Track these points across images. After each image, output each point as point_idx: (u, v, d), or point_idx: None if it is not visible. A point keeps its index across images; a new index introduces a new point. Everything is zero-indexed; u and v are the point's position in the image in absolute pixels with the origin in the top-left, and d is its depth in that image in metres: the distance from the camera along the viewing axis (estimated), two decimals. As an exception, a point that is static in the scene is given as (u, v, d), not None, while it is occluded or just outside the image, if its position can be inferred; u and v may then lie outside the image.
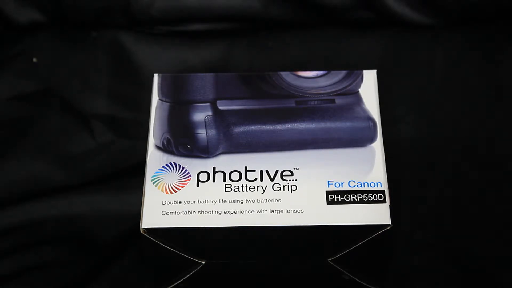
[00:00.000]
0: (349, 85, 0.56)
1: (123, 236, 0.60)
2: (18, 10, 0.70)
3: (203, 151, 0.54)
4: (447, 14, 0.69)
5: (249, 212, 0.51)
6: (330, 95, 0.55)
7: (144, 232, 0.51)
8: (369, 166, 0.53)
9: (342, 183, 0.52)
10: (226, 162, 0.53)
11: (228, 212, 0.51)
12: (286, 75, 0.56)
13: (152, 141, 0.55)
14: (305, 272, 0.56)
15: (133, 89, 0.67)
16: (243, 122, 0.54)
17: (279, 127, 0.54)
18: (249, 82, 0.56)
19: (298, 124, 0.54)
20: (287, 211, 0.51)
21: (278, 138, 0.54)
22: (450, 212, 0.60)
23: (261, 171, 0.53)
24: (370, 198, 0.52)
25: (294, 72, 0.56)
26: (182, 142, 0.54)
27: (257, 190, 0.52)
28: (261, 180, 0.52)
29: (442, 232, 0.59)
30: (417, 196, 0.61)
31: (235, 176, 0.53)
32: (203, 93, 0.55)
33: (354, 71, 0.56)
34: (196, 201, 0.52)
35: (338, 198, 0.52)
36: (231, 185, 0.52)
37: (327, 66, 0.63)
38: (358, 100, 0.56)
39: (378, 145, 0.54)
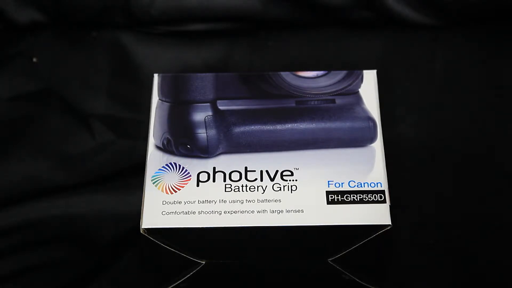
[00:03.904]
0: (349, 85, 0.56)
1: (123, 236, 0.60)
2: (18, 10, 0.70)
3: (203, 151, 0.54)
4: (447, 14, 0.69)
5: (249, 212, 0.51)
6: (330, 95, 0.55)
7: (144, 232, 0.51)
8: (369, 166, 0.53)
9: (342, 183, 0.52)
10: (226, 162, 0.53)
11: (228, 212, 0.51)
12: (286, 75, 0.56)
13: (152, 141, 0.55)
14: (305, 272, 0.56)
15: (133, 89, 0.67)
16: (243, 122, 0.54)
17: (279, 127, 0.54)
18: (249, 82, 0.56)
19: (298, 124, 0.54)
20: (287, 211, 0.51)
21: (278, 138, 0.54)
22: (450, 212, 0.60)
23: (261, 171, 0.53)
24: (370, 198, 0.52)
25: (294, 72, 0.56)
26: (182, 142, 0.54)
27: (257, 190, 0.52)
28: (261, 180, 0.52)
29: (442, 232, 0.59)
30: (417, 196, 0.61)
31: (235, 176, 0.53)
32: (203, 93, 0.55)
33: (354, 71, 0.56)
34: (196, 201, 0.52)
35: (338, 198, 0.52)
36: (231, 185, 0.52)
37: (327, 66, 0.63)
38: (358, 100, 0.56)
39: (378, 145, 0.54)
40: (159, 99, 0.56)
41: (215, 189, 0.52)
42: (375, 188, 0.52)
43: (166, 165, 0.53)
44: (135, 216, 0.54)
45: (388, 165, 0.53)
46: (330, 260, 0.55)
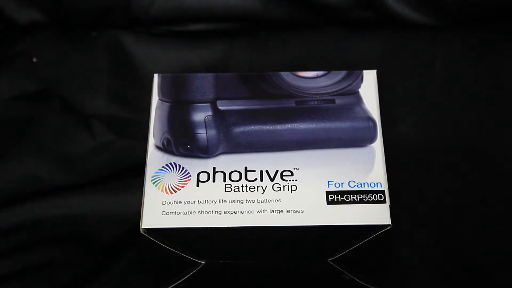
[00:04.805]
0: (349, 85, 0.56)
1: (123, 236, 0.60)
2: (18, 10, 0.70)
3: (203, 151, 0.54)
4: (447, 14, 0.69)
5: (249, 212, 0.51)
6: (330, 95, 0.55)
7: (144, 232, 0.51)
8: (369, 166, 0.53)
9: (342, 183, 0.52)
10: (226, 162, 0.53)
11: (228, 212, 0.51)
12: (286, 75, 0.56)
13: (152, 141, 0.55)
14: (305, 272, 0.56)
15: (133, 89, 0.67)
16: (243, 122, 0.54)
17: (279, 127, 0.54)
18: (249, 82, 0.56)
19: (298, 124, 0.54)
20: (287, 211, 0.51)
21: (278, 138, 0.54)
22: (450, 212, 0.60)
23: (261, 171, 0.53)
24: (370, 198, 0.52)
25: (294, 72, 0.56)
26: (182, 142, 0.54)
27: (257, 190, 0.52)
28: (261, 180, 0.52)
29: (442, 232, 0.59)
30: (417, 196, 0.61)
31: (235, 176, 0.53)
32: (203, 93, 0.55)
33: (354, 71, 0.56)
34: (196, 201, 0.52)
35: (338, 198, 0.52)
36: (231, 185, 0.52)
37: (327, 66, 0.63)
38: (358, 100, 0.56)
39: (378, 145, 0.54)
40: (159, 99, 0.56)
41: (215, 189, 0.52)
42: (375, 188, 0.52)
43: (166, 165, 0.53)
44: (135, 216, 0.54)
45: (388, 165, 0.53)
46: (330, 260, 0.55)
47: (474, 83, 0.67)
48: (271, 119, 0.54)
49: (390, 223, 0.51)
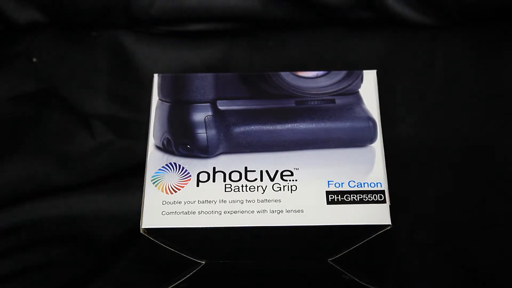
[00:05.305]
0: (349, 85, 0.56)
1: (123, 236, 0.60)
2: (18, 10, 0.70)
3: (203, 151, 0.54)
4: (447, 14, 0.69)
5: (249, 212, 0.51)
6: (330, 95, 0.55)
7: (144, 232, 0.51)
8: (369, 166, 0.53)
9: (342, 183, 0.52)
10: (226, 162, 0.53)
11: (228, 212, 0.51)
12: (286, 75, 0.56)
13: (152, 141, 0.55)
14: (305, 272, 0.56)
15: (133, 89, 0.67)
16: (243, 122, 0.54)
17: (279, 127, 0.54)
18: (249, 82, 0.56)
19: (298, 124, 0.54)
20: (287, 211, 0.51)
21: (278, 138, 0.54)
22: (450, 212, 0.60)
23: (261, 171, 0.53)
24: (370, 198, 0.52)
25: (294, 72, 0.56)
26: (182, 142, 0.54)
27: (257, 190, 0.52)
28: (261, 180, 0.52)
29: (442, 232, 0.59)
30: (417, 196, 0.61)
31: (235, 176, 0.53)
32: (203, 93, 0.55)
33: (354, 71, 0.56)
34: (196, 201, 0.52)
35: (338, 198, 0.52)
36: (231, 185, 0.52)
37: (327, 66, 0.63)
38: (358, 100, 0.56)
39: (378, 145, 0.54)
40: (159, 99, 0.56)
41: (215, 189, 0.52)
42: (375, 188, 0.52)
43: (166, 165, 0.53)
44: (135, 216, 0.54)
45: (388, 165, 0.53)
46: (330, 260, 0.55)
47: (474, 83, 0.67)
48: (271, 119, 0.54)
49: (390, 223, 0.51)
